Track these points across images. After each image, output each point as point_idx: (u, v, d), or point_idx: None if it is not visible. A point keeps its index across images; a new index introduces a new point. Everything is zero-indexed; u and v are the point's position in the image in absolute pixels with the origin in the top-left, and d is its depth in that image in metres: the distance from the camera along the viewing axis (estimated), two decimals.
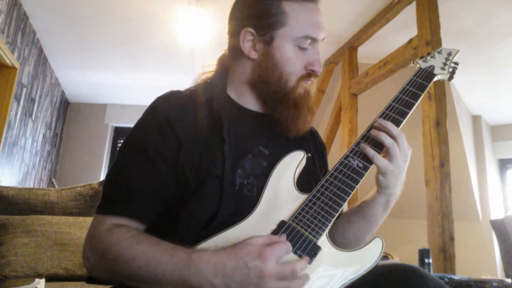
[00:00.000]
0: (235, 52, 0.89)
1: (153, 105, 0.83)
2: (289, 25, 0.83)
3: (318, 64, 0.85)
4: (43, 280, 1.42)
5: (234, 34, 0.88)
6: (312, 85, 0.88)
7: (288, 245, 0.65)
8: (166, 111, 0.80)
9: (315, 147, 0.96)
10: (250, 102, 0.89)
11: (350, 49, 3.53)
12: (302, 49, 0.84)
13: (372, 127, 0.81)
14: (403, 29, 3.04)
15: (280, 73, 0.83)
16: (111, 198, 0.76)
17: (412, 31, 2.68)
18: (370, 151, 0.77)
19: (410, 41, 2.71)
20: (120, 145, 5.03)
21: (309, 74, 0.85)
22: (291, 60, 0.83)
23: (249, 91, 0.88)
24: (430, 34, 2.51)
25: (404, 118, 0.81)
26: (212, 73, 0.93)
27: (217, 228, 0.71)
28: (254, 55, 0.86)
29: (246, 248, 0.63)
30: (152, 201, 0.76)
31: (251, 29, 0.85)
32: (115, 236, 0.70)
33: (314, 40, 0.84)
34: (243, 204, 0.76)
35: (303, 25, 0.83)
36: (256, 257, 0.62)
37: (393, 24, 3.03)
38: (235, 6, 0.91)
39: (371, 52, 3.53)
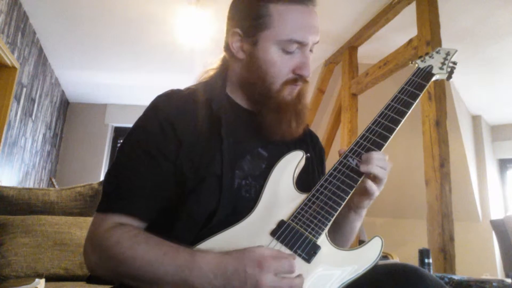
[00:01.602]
0: (229, 52, 0.89)
1: (154, 104, 0.83)
2: (273, 28, 0.81)
3: (305, 68, 0.83)
4: (43, 280, 1.42)
5: (227, 33, 0.89)
6: (302, 89, 0.86)
7: (292, 264, 0.64)
8: (167, 110, 0.80)
9: (314, 151, 0.96)
10: (243, 102, 0.89)
11: (350, 49, 3.53)
12: (288, 52, 0.82)
13: (371, 127, 0.81)
14: (403, 29, 3.04)
15: (264, 75, 0.82)
16: (112, 196, 0.76)
17: (412, 31, 2.68)
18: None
19: (410, 41, 2.71)
20: (120, 143, 5.04)
21: (296, 78, 0.83)
22: (276, 63, 0.82)
23: (241, 91, 0.89)
24: (430, 34, 2.51)
25: (403, 118, 0.81)
26: (214, 71, 0.93)
27: (216, 228, 0.71)
28: (241, 55, 0.86)
29: (250, 255, 0.63)
30: (153, 199, 0.76)
31: (238, 30, 0.85)
32: (117, 235, 0.70)
33: (301, 44, 0.82)
34: (241, 205, 0.76)
35: (288, 28, 0.81)
36: (256, 265, 0.62)
37: (393, 24, 3.03)
38: (230, 7, 0.91)
39: (371, 52, 3.52)
